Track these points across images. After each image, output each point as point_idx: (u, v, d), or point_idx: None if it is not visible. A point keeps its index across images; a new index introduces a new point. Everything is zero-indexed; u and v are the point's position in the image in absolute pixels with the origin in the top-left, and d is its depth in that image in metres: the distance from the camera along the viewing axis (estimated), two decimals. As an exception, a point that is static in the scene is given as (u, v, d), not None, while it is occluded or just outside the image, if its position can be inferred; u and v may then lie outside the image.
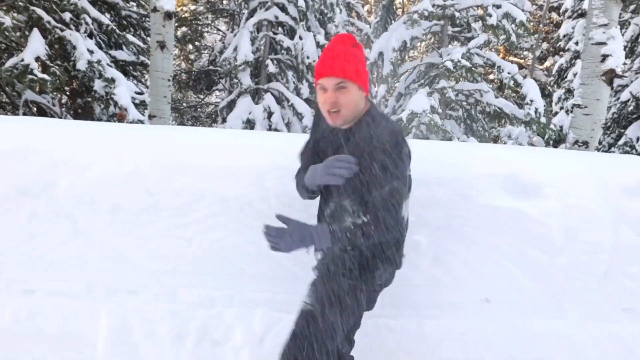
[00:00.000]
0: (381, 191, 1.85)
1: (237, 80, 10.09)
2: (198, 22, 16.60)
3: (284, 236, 1.96)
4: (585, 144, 5.55)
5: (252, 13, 10.54)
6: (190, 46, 17.49)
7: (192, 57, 18.04)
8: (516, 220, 2.81)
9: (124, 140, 3.02)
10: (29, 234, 2.80)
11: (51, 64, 7.18)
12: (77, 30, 7.89)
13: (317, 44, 10.83)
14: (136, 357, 2.71)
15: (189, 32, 16.54)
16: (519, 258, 2.83)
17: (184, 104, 17.93)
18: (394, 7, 8.86)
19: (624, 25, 9.91)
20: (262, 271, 2.83)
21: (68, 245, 2.81)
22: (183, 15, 16.59)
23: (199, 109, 17.87)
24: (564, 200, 2.86)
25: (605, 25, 5.44)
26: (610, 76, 5.40)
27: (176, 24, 15.02)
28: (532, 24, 17.22)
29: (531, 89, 7.76)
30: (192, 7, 17.27)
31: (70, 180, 2.80)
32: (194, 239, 2.82)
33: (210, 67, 14.54)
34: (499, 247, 2.82)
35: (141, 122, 7.57)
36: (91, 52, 7.51)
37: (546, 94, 16.02)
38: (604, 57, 5.41)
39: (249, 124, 9.35)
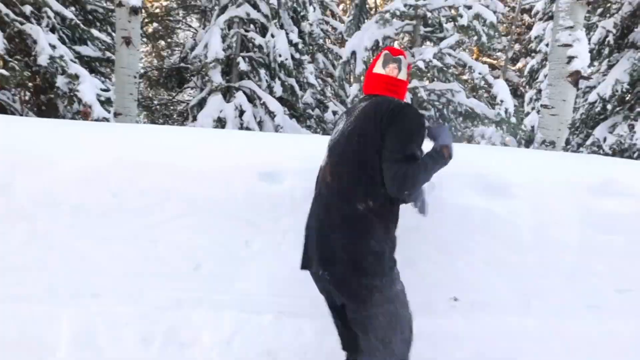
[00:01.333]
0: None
1: (207, 78, 9.97)
2: (170, 18, 16.40)
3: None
4: (553, 144, 5.66)
5: (223, 10, 10.34)
6: (162, 43, 17.26)
7: (164, 54, 17.77)
8: (485, 220, 2.86)
9: (86, 139, 2.94)
10: None
11: (10, 59, 6.97)
12: (39, 24, 7.70)
13: (290, 42, 10.76)
14: None
15: (160, 28, 16.33)
16: (488, 257, 2.89)
17: (155, 102, 17.62)
18: (367, 6, 8.87)
19: (591, 28, 10.14)
20: (230, 272, 2.81)
21: (27, 248, 2.72)
22: (154, 11, 16.39)
23: (170, 107, 17.58)
24: (532, 200, 2.92)
25: (571, 27, 5.54)
26: (576, 77, 5.52)
27: (146, 20, 14.88)
28: (504, 25, 17.67)
29: (501, 89, 7.88)
30: (164, 3, 17.02)
31: (29, 180, 2.72)
32: (160, 240, 2.77)
33: (182, 64, 14.30)
34: (468, 247, 2.87)
35: (106, 119, 7.35)
36: (53, 47, 7.29)
37: (518, 95, 16.45)
38: (570, 58, 5.52)
39: (220, 123, 9.23)
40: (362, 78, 7.81)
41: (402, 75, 2.29)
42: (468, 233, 2.86)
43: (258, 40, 10.22)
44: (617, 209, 2.96)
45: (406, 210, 2.75)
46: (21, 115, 8.51)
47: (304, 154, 2.90)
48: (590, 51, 9.22)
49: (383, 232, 2.09)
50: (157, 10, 16.50)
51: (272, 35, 10.02)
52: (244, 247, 2.81)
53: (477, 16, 7.58)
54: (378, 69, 2.29)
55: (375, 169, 2.02)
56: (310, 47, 13.27)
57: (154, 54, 18.16)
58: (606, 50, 9.56)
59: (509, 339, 2.86)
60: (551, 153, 3.54)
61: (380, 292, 2.01)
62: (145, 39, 13.98)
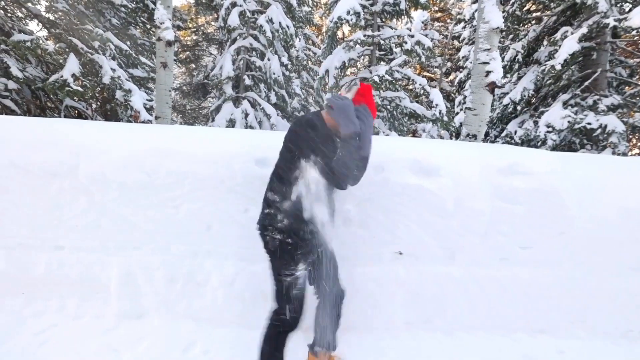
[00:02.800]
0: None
1: (222, 91, 10.49)
2: (197, 48, 17.31)
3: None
4: (475, 137, 5.82)
5: (233, 41, 11.02)
6: (192, 65, 18.13)
7: (194, 73, 18.68)
8: (419, 193, 2.94)
9: (128, 134, 3.11)
10: (57, 204, 2.93)
11: (83, 79, 7.30)
12: (103, 54, 8.01)
13: (282, 64, 11.62)
14: (139, 297, 2.89)
15: (190, 55, 17.26)
16: (422, 221, 2.97)
17: (187, 108, 18.52)
18: (337, 37, 9.12)
19: (505, 49, 10.34)
20: (232, 232, 2.96)
21: (87, 214, 2.94)
22: (186, 43, 17.63)
23: (197, 112, 18.47)
24: (454, 178, 2.98)
25: (488, 49, 5.70)
26: (492, 87, 5.69)
27: (179, 49, 15.58)
28: (440, 48, 18.38)
29: (436, 96, 8.21)
30: (194, 37, 17.90)
31: (88, 164, 2.92)
32: (181, 208, 2.94)
33: (205, 80, 15.11)
34: (406, 214, 2.96)
35: (150, 121, 7.80)
36: (113, 70, 7.64)
37: (450, 99, 17.24)
38: (488, 72, 5.69)
39: (231, 123, 9.78)
40: (333, 90, 8.13)
41: (349, 95, 2.24)
42: (406, 203, 2.94)
43: (258, 62, 10.91)
44: (520, 185, 3.01)
45: (363, 186, 2.88)
46: (92, 119, 8.87)
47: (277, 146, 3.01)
48: (504, 67, 9.81)
49: None
50: (189, 43, 17.45)
51: (268, 59, 10.65)
52: (242, 214, 2.94)
53: (418, 42, 7.92)
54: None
55: None
56: (297, 67, 14.33)
57: (186, 74, 19.10)
58: (516, 66, 10.04)
59: (439, 283, 2.97)
60: (470, 143, 3.61)
61: None
62: (179, 63, 14.71)
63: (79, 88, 6.99)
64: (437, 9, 19.91)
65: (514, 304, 2.99)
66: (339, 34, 12.81)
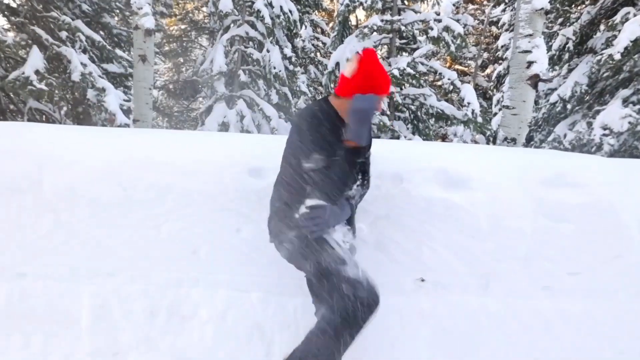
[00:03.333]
0: None
1: (213, 89, 10.57)
2: (185, 38, 17.63)
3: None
4: (514, 141, 5.82)
5: (226, 29, 11.04)
6: (181, 59, 18.36)
7: (183, 69, 18.83)
8: (447, 209, 2.96)
9: (101, 142, 3.18)
10: (18, 225, 2.98)
11: (48, 76, 7.45)
12: (72, 46, 8.17)
13: (285, 56, 11.61)
14: (115, 332, 2.91)
15: (177, 47, 17.78)
16: (450, 243, 2.99)
17: (174, 110, 18.60)
18: (349, 23, 9.16)
19: (553, 36, 10.28)
20: (222, 256, 3.00)
21: (53, 235, 2.99)
22: (172, 33, 17.87)
23: (185, 114, 18.49)
24: (489, 192, 3.01)
25: (531, 35, 5.70)
26: (535, 80, 5.68)
27: (164, 40, 15.76)
28: (474, 36, 18.23)
29: (468, 92, 8.16)
30: (182, 26, 18.01)
31: (54, 178, 2.98)
32: (163, 228, 2.99)
33: (194, 77, 15.19)
34: (431, 234, 2.98)
35: (127, 125, 7.91)
36: (84, 65, 7.80)
37: (487, 98, 17.03)
38: (530, 63, 5.68)
39: (224, 126, 9.82)
40: None
41: (347, 70, 2.31)
42: (431, 221, 2.96)
43: (256, 55, 10.88)
44: (568, 199, 3.02)
45: (378, 200, 2.98)
46: (60, 123, 9.00)
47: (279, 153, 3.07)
48: (552, 57, 9.74)
49: None
50: (175, 32, 17.88)
51: (268, 51, 10.62)
52: (234, 234, 2.99)
53: (446, 28, 7.90)
54: None
55: None
56: (303, 60, 14.19)
57: (173, 70, 19.21)
58: (566, 56, 9.94)
59: (470, 317, 2.96)
60: (508, 148, 3.63)
61: None
62: (162, 57, 14.92)
63: (44, 87, 7.12)
64: (471, -12, 20.01)
65: (560, 341, 2.97)
66: (352, 19, 12.88)
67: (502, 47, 14.96)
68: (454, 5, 15.96)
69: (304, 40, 14.93)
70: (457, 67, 19.53)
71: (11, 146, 3.10)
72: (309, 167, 2.17)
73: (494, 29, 18.55)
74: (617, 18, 8.44)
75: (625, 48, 7.72)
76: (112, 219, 2.99)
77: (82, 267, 3.02)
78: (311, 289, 2.51)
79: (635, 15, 8.19)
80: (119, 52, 9.81)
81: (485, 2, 19.80)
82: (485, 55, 19.13)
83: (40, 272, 3.01)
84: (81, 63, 7.75)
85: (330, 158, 2.14)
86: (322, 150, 2.15)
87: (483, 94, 17.98)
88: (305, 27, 15.12)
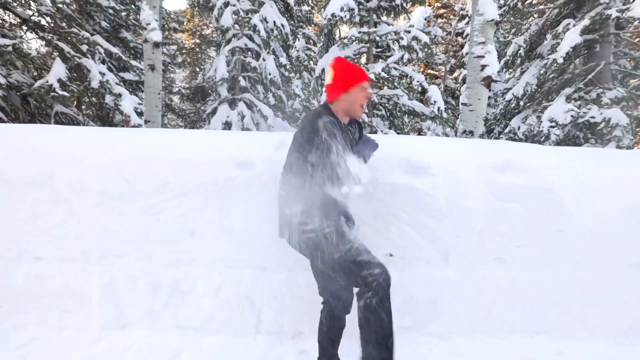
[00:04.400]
0: None
1: (217, 93, 10.55)
2: (197, 50, 17.58)
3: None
4: (471, 133, 5.79)
5: (228, 42, 10.98)
6: (197, 69, 18.33)
7: (198, 77, 18.84)
8: (410, 193, 2.90)
9: (107, 140, 3.09)
10: (34, 214, 2.91)
11: (70, 84, 7.31)
12: (92, 58, 8.04)
13: (280, 64, 11.58)
14: (122, 307, 2.88)
15: (189, 58, 18.00)
16: (414, 222, 2.93)
17: (188, 112, 18.70)
18: (333, 35, 9.17)
19: (507, 44, 10.33)
20: (216, 238, 2.94)
21: (65, 223, 2.92)
22: (186, 46, 17.89)
23: (197, 115, 18.56)
24: (447, 177, 2.94)
25: (483, 42, 5.66)
26: (488, 81, 5.66)
27: (178, 53, 15.78)
28: (444, 45, 18.49)
29: (434, 92, 8.24)
30: (196, 41, 18.13)
31: (65, 172, 2.90)
32: (162, 214, 2.92)
33: (204, 83, 15.27)
34: (397, 215, 2.93)
35: (140, 125, 7.82)
36: (102, 74, 7.67)
37: (455, 97, 17.31)
38: (483, 67, 5.65)
39: (227, 125, 9.83)
40: None
41: (327, 80, 2.35)
42: (397, 204, 2.91)
43: (254, 63, 10.91)
44: (515, 182, 2.96)
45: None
46: (84, 125, 8.88)
47: (270, 147, 3.00)
48: (507, 61, 9.78)
49: None
50: (188, 46, 18.12)
51: (264, 60, 10.62)
52: (226, 219, 2.92)
53: (414, 38, 7.93)
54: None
55: None
56: (298, 67, 14.27)
57: (189, 77, 19.23)
58: (518, 60, 10.08)
59: (433, 286, 2.94)
60: (465, 140, 3.54)
61: None
62: (173, 67, 15.00)
63: (66, 93, 6.99)
64: (440, 5, 19.95)
65: (511, 305, 2.95)
66: (337, 32, 12.86)
67: (466, 54, 15.01)
68: (425, 19, 15.89)
69: (298, 51, 15.01)
70: (429, 71, 19.60)
71: (28, 145, 3.01)
72: (334, 162, 2.02)
73: (459, 39, 18.73)
74: (560, 28, 8.42)
75: (567, 53, 7.73)
76: (118, 208, 2.92)
77: (92, 250, 2.95)
78: (327, 279, 2.34)
79: (574, 25, 8.18)
80: (134, 62, 9.67)
81: (452, 17, 19.90)
82: (453, 61, 19.23)
83: (55, 255, 2.95)
84: (99, 72, 7.62)
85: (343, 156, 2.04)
86: (340, 150, 2.04)
87: (452, 94, 18.06)
88: (299, 39, 15.16)
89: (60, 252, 2.94)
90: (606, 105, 7.79)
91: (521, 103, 9.68)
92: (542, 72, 8.86)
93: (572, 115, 7.63)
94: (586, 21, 7.72)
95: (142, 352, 2.66)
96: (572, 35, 7.68)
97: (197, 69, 19.51)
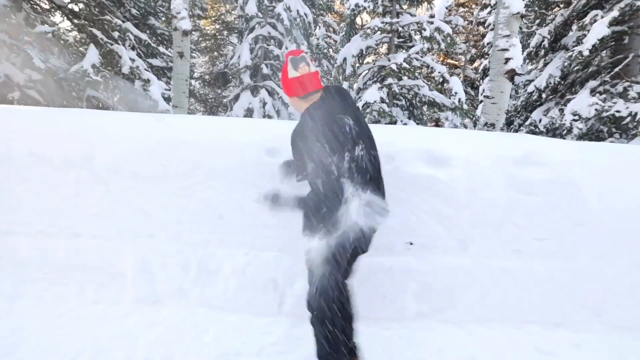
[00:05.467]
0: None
1: (240, 79, 10.57)
2: (218, 37, 17.81)
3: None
4: (492, 126, 5.73)
5: (251, 30, 11.02)
6: (216, 54, 18.43)
7: (217, 62, 18.91)
8: (431, 183, 2.95)
9: (142, 124, 3.20)
10: (74, 193, 3.05)
11: (103, 70, 7.48)
12: (123, 44, 8.17)
13: None
14: (154, 284, 2.99)
15: (211, 44, 17.93)
16: (434, 212, 2.98)
17: (209, 97, 18.80)
18: (355, 24, 9.10)
19: (531, 34, 10.07)
20: (243, 221, 3.03)
21: (103, 203, 3.05)
22: (207, 32, 18.08)
23: (218, 101, 18.70)
24: (467, 168, 2.98)
25: (508, 35, 5.57)
26: (511, 74, 5.56)
27: (201, 39, 15.83)
28: (464, 35, 18.01)
29: (455, 84, 8.16)
30: (217, 27, 18.14)
31: (103, 155, 3.03)
32: (193, 197, 3.03)
33: (225, 70, 15.33)
34: (418, 204, 2.97)
35: (168, 111, 7.96)
36: (132, 60, 7.81)
37: (475, 87, 16.94)
38: (507, 60, 5.56)
39: (249, 112, 9.90)
40: (350, 78, 8.10)
41: (313, 68, 2.27)
42: (418, 193, 2.95)
43: (276, 51, 10.95)
44: (535, 175, 2.98)
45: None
46: (114, 109, 9.05)
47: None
48: (530, 53, 9.53)
49: None
50: (209, 32, 18.13)
51: (286, 48, 10.64)
52: (254, 203, 2.89)
53: (437, 29, 7.83)
54: (293, 73, 2.23)
55: None
56: (318, 55, 14.21)
57: (209, 62, 19.35)
58: (542, 52, 9.76)
59: (450, 275, 2.97)
60: (487, 132, 3.55)
61: None
62: (197, 53, 14.99)
63: (99, 78, 7.17)
64: (462, -7, 19.58)
65: (528, 297, 2.96)
66: (359, 21, 12.80)
67: (487, 44, 14.74)
68: (446, 8, 15.67)
69: (318, 39, 14.91)
70: (449, 61, 19.34)
71: (69, 128, 3.13)
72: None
73: (481, 28, 18.34)
74: (587, 19, 8.22)
75: (593, 45, 7.54)
76: (151, 189, 3.02)
77: (126, 229, 3.06)
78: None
79: (602, 17, 7.97)
80: (161, 49, 9.80)
81: (473, 6, 19.49)
82: (474, 51, 18.89)
83: (93, 232, 3.07)
84: (130, 58, 7.77)
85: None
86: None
87: (471, 85, 17.80)
88: (320, 27, 15.09)
89: (97, 230, 3.06)
90: (633, 100, 7.61)
91: (543, 95, 9.52)
92: (566, 64, 8.69)
93: (596, 109, 7.49)
94: (615, 12, 7.52)
95: (171, 327, 2.76)
96: (599, 27, 7.49)
97: (217, 55, 19.49)
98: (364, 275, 2.85)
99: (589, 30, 7.89)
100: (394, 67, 7.62)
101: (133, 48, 8.53)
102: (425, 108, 8.52)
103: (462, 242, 3.02)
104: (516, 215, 2.99)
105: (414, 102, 8.38)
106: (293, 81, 2.22)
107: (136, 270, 3.00)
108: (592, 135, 8.21)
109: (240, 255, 3.01)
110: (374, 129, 2.61)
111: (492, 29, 14.62)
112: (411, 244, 3.04)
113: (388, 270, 2.97)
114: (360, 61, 8.65)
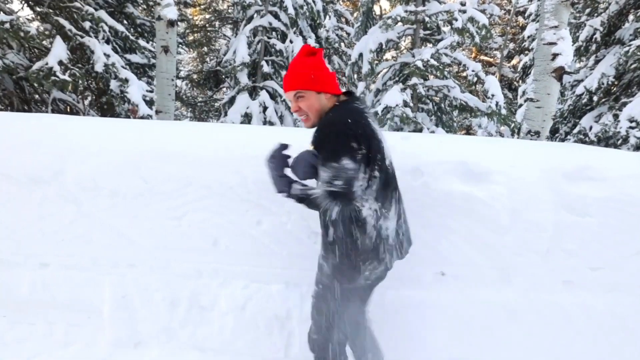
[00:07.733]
0: (323, 171, 1.96)
1: (236, 79, 10.52)
2: (209, 28, 17.52)
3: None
4: (537, 134, 5.69)
5: (249, 20, 11.00)
6: (205, 49, 18.30)
7: (207, 59, 18.80)
8: (467, 202, 2.91)
9: (122, 134, 3.19)
10: (40, 215, 3.03)
11: (72, 67, 7.50)
12: (96, 37, 8.20)
13: None
14: (136, 322, 2.96)
15: (199, 37, 17.71)
16: (470, 236, 2.95)
17: (198, 100, 18.67)
18: (373, 13, 9.10)
19: (580, 26, 10.04)
20: (242, 247, 3.01)
21: (75, 225, 3.03)
22: (195, 23, 17.85)
23: (209, 104, 18.55)
24: (509, 185, 2.95)
25: (556, 27, 5.54)
26: (560, 73, 5.52)
27: (188, 31, 15.79)
28: (500, 26, 17.89)
29: (492, 84, 8.05)
30: (207, 16, 18.05)
31: (76, 169, 3.01)
32: (183, 219, 3.01)
33: (218, 67, 15.23)
34: (451, 227, 2.94)
35: (150, 116, 7.94)
36: (107, 56, 7.82)
37: (513, 89, 16.76)
38: (554, 55, 5.53)
39: (247, 118, 9.81)
40: (367, 78, 8.06)
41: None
42: (451, 214, 2.92)
43: (279, 45, 10.78)
44: (590, 193, 2.94)
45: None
46: (84, 114, 9.07)
47: (303, 145, 3.04)
48: (578, 48, 9.54)
49: None
50: (199, 22, 17.87)
51: (291, 41, 10.53)
52: (254, 226, 2.98)
53: (471, 19, 7.79)
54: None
55: None
56: (327, 50, 14.02)
57: (197, 59, 19.25)
58: (593, 47, 9.73)
59: (489, 311, 2.92)
60: (530, 142, 3.54)
61: None
62: (185, 47, 14.87)
63: (67, 78, 7.17)
64: (498, -22, 19.66)
65: (581, 337, 2.92)
66: (376, 9, 12.78)
67: (528, 37, 14.64)
68: (480, -5, 15.70)
69: (327, 31, 14.68)
70: (482, 57, 19.34)
71: (34, 137, 3.13)
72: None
73: (520, 19, 18.27)
74: (646, 8, 8.22)
75: (654, 39, 7.53)
76: (133, 210, 3.01)
77: (103, 257, 3.05)
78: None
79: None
80: (142, 42, 9.77)
81: (512, -8, 19.44)
82: (511, 45, 18.83)
83: (63, 262, 3.06)
84: (104, 54, 7.77)
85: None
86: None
87: (508, 85, 17.74)
88: (329, 17, 14.94)
89: (69, 258, 3.05)
90: (700, 104, 7.59)
91: (594, 98, 9.44)
92: (621, 61, 8.64)
93: (658, 115, 7.46)
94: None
95: (156, 374, 2.75)
96: (661, 17, 7.49)
97: (206, 50, 19.36)
98: (389, 313, 2.88)
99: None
100: (419, 64, 7.58)
101: (108, 41, 8.54)
102: (455, 113, 8.48)
103: (503, 272, 2.99)
104: (567, 240, 2.96)
105: (442, 106, 8.35)
106: (334, 75, 2.21)
107: (114, 306, 2.97)
108: (652, 145, 8.18)
109: (239, 289, 2.99)
110: (396, 136, 2.60)
111: (533, 20, 14.55)
112: (443, 274, 3.02)
113: (417, 305, 2.95)
114: (379, 57, 8.62)
